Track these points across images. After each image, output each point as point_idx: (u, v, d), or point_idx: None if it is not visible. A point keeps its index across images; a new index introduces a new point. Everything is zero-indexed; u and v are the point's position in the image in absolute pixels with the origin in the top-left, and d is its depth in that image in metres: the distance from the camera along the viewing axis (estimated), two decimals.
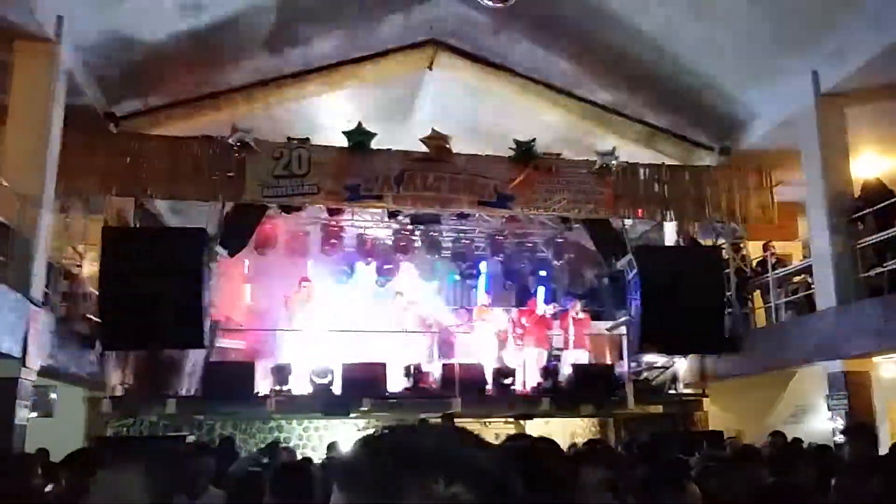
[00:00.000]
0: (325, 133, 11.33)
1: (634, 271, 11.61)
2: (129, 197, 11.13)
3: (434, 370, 12.43)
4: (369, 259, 14.08)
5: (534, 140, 11.57)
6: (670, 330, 11.13)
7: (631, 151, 12.04)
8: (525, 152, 11.54)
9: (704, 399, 12.40)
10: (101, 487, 2.13)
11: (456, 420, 11.56)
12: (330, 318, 12.93)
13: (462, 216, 12.22)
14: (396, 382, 11.99)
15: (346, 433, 13.53)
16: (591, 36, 10.84)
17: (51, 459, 7.55)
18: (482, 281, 14.59)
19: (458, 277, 14.84)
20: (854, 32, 9.22)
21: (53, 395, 10.39)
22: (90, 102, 10.23)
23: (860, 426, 6.40)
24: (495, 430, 12.46)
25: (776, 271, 11.41)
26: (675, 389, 12.63)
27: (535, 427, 13.19)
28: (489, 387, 12.07)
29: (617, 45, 10.84)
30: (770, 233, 12.31)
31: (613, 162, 11.68)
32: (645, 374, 12.93)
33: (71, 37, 9.10)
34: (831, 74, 9.86)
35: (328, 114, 12.11)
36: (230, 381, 11.07)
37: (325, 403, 11.54)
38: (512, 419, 13.09)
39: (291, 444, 14.20)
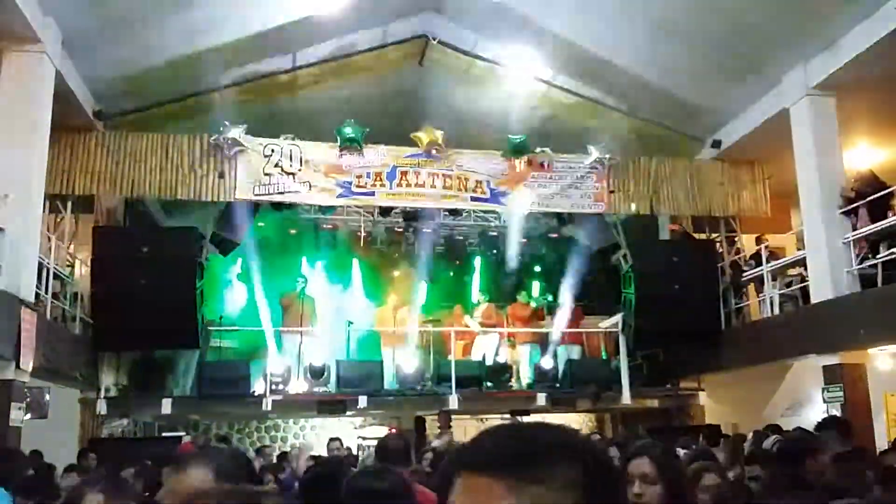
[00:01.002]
0: (317, 130, 11.28)
1: (628, 265, 11.62)
2: (119, 196, 11.09)
3: (430, 367, 12.42)
4: (362, 256, 14.06)
5: (526, 135, 11.55)
6: (665, 324, 11.14)
7: (624, 146, 12.03)
8: (518, 148, 11.53)
9: (700, 392, 12.43)
10: (169, 488, 2.14)
11: (453, 416, 11.57)
12: (324, 316, 12.90)
13: (455, 212, 12.19)
14: (392, 380, 11.98)
15: (343, 431, 13.52)
16: (583, 31, 10.81)
17: (45, 461, 7.55)
18: (476, 277, 14.57)
19: (451, 274, 14.82)
20: (846, 25, 9.21)
21: (48, 397, 10.34)
22: (80, 102, 10.17)
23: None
24: None
25: (770, 264, 11.41)
26: None
27: None
28: (485, 383, 12.07)
29: (609, 40, 10.81)
30: (763, 226, 12.33)
31: (606, 157, 11.68)
32: None
33: (59, 36, 9.04)
34: (823, 67, 9.85)
35: (319, 110, 12.06)
36: (225, 380, 11.04)
37: (321, 402, 11.53)
38: (508, 415, 13.07)
39: (288, 443, 14.25)
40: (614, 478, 1.01)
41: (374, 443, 12.42)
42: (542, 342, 13.00)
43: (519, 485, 0.94)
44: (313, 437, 14.69)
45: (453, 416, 11.66)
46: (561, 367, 12.45)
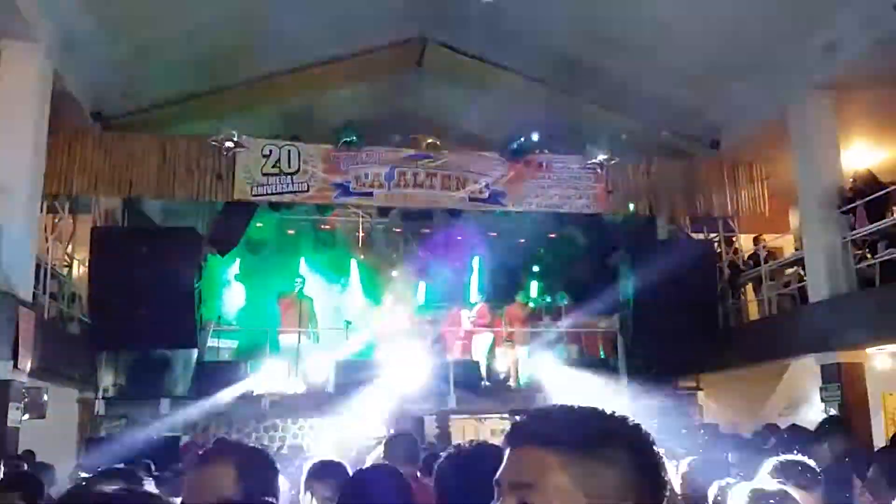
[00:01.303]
0: (315, 130, 11.27)
1: (627, 266, 11.61)
2: (117, 197, 11.07)
3: (429, 367, 12.39)
4: (361, 256, 14.06)
5: (525, 136, 11.55)
6: (663, 324, 11.14)
7: (622, 146, 12.02)
8: (516, 148, 11.52)
9: (699, 392, 12.41)
10: (190, 484, 2.12)
11: (451, 416, 11.56)
12: (322, 316, 12.88)
13: (453, 213, 12.18)
14: (391, 380, 11.94)
15: (341, 431, 13.49)
16: (581, 31, 10.81)
17: (39, 461, 7.52)
18: (474, 277, 14.55)
19: (449, 274, 14.80)
20: (845, 25, 9.21)
21: (46, 397, 10.33)
22: (78, 102, 10.15)
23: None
24: (491, 426, 12.43)
25: (768, 264, 11.41)
26: None
27: None
28: (484, 383, 12.05)
29: (608, 40, 10.81)
30: (761, 225, 12.32)
31: (604, 157, 11.67)
32: None
33: (58, 36, 9.02)
34: (822, 67, 9.83)
35: (318, 111, 12.06)
36: (223, 380, 11.03)
37: (319, 402, 11.51)
38: (507, 415, 13.05)
39: (287, 443, 14.20)
40: (659, 462, 1.06)
41: (372, 443, 12.42)
42: (541, 341, 12.98)
43: (574, 460, 0.97)
44: (312, 436, 14.64)
45: (452, 416, 11.67)
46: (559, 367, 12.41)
